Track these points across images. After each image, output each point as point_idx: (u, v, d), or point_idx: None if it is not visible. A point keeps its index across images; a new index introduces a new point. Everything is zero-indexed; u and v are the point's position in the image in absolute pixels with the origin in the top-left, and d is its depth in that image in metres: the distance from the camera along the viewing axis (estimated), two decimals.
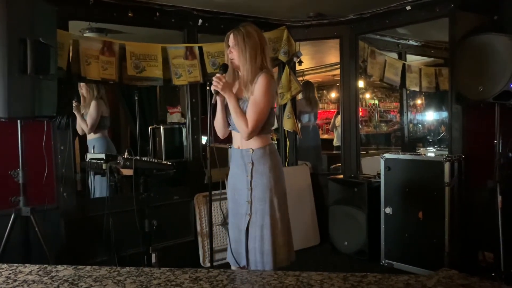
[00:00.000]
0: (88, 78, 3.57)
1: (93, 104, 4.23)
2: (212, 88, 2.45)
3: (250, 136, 2.43)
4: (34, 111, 2.71)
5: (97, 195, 3.99)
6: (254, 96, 2.40)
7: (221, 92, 2.44)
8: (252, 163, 2.45)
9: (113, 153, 4.11)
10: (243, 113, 2.42)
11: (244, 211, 2.49)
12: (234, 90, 2.54)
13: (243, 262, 2.52)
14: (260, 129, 2.44)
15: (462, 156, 3.69)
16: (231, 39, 2.48)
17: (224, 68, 2.54)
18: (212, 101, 2.51)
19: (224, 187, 3.46)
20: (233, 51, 2.46)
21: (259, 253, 2.43)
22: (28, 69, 2.60)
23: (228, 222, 2.71)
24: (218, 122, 2.60)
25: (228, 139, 2.71)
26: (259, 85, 2.39)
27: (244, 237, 2.49)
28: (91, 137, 4.37)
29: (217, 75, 2.46)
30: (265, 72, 2.42)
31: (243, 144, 2.50)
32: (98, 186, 4.04)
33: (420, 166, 3.76)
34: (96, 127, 4.30)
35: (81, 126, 4.27)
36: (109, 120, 4.51)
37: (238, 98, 2.48)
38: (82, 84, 4.15)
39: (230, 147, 2.80)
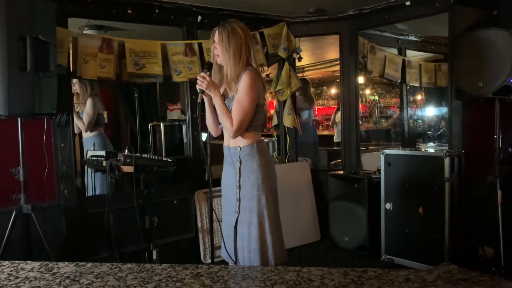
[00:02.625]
0: (84, 77, 3.57)
1: (89, 102, 4.21)
2: (197, 87, 2.44)
3: (235, 135, 2.44)
4: (34, 109, 2.71)
5: (97, 192, 4.00)
6: (238, 94, 2.40)
7: (207, 91, 2.42)
8: (240, 161, 2.46)
9: (110, 150, 4.11)
10: (229, 112, 2.42)
11: (233, 208, 2.50)
12: (222, 89, 2.53)
13: (231, 259, 2.54)
14: (247, 126, 2.44)
15: (462, 151, 3.69)
16: (216, 36, 2.46)
17: (208, 66, 2.52)
18: (198, 101, 2.49)
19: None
20: (218, 47, 2.44)
21: (246, 250, 2.44)
22: (28, 67, 2.60)
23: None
24: (208, 121, 2.60)
25: None
26: (242, 83, 2.39)
27: (233, 234, 2.50)
28: (87, 135, 4.36)
29: (201, 73, 2.44)
30: (250, 70, 2.41)
31: (231, 142, 2.51)
32: (99, 183, 4.04)
33: (420, 161, 3.76)
34: (92, 125, 4.29)
35: (77, 124, 4.22)
36: (105, 117, 4.50)
37: (224, 97, 2.48)
38: (75, 81, 4.09)
39: None
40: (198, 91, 2.45)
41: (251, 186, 2.44)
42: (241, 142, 2.47)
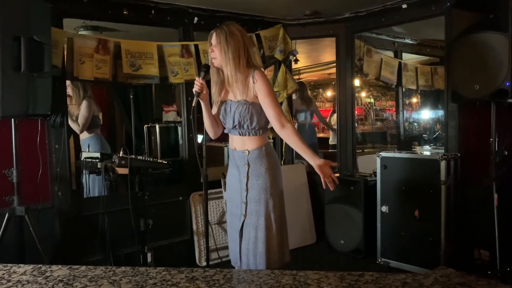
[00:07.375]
0: (81, 78, 3.55)
1: (84, 103, 4.22)
2: (194, 90, 2.44)
3: (288, 126, 2.39)
4: (28, 109, 2.69)
5: (92, 194, 3.97)
6: (264, 92, 2.37)
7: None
8: (248, 165, 2.44)
9: (107, 152, 4.10)
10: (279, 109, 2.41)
11: (239, 211, 2.48)
12: (224, 92, 2.51)
13: (238, 263, 2.52)
14: (258, 129, 2.43)
15: (458, 154, 3.69)
16: (214, 38, 2.44)
17: (205, 68, 2.51)
18: (193, 104, 2.47)
19: (219, 186, 3.45)
20: (215, 50, 2.42)
21: (252, 254, 2.41)
22: (22, 67, 2.59)
23: (225, 221, 2.70)
24: (206, 124, 2.58)
25: (225, 138, 2.69)
26: (261, 81, 2.37)
27: (239, 238, 2.48)
28: (84, 136, 4.36)
29: (197, 78, 2.46)
30: (257, 69, 2.41)
31: (239, 146, 2.48)
32: (93, 185, 4.01)
33: (416, 164, 3.76)
34: (88, 127, 4.28)
35: (72, 126, 4.21)
36: (100, 118, 4.49)
37: (223, 101, 2.47)
38: (67, 83, 4.04)
39: (226, 146, 2.79)
40: (194, 93, 2.43)
41: (259, 190, 2.41)
42: (250, 145, 2.45)
